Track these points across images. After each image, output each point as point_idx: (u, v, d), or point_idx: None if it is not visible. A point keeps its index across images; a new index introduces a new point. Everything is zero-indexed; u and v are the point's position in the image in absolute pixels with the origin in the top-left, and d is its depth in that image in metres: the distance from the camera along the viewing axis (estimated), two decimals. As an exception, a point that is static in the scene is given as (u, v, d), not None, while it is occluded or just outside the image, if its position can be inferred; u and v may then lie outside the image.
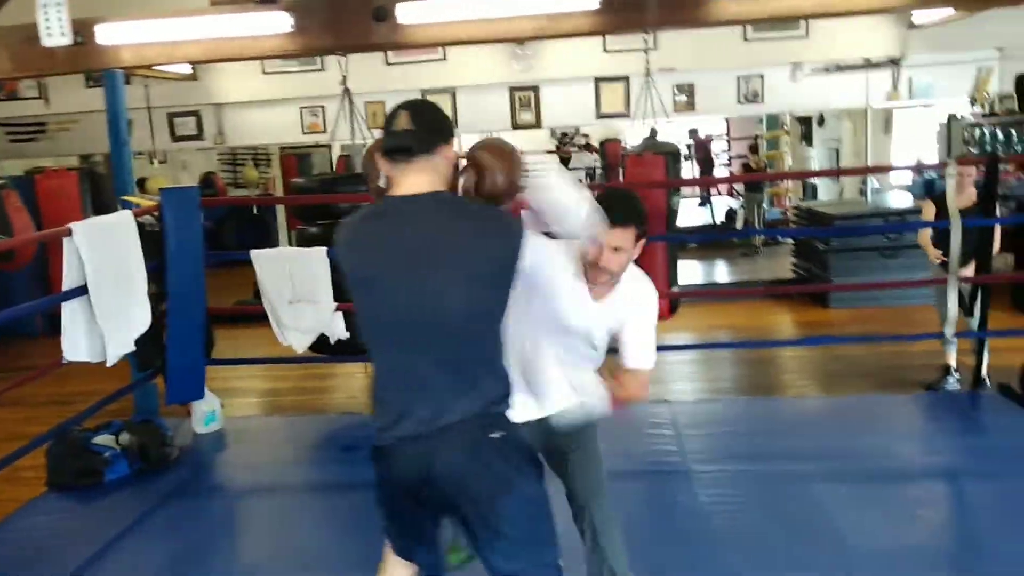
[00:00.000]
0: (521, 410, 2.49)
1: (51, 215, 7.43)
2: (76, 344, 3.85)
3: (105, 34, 4.53)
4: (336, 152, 9.51)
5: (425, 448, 1.94)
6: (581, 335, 2.53)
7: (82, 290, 3.82)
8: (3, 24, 4.69)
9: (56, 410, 5.69)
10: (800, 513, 3.50)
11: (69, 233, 3.79)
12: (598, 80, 8.84)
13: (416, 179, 1.96)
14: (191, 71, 8.46)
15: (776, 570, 3.07)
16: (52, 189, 7.75)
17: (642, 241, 2.40)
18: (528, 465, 2.04)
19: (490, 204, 2.04)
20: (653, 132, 6.35)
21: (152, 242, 4.33)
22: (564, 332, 2.52)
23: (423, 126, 1.98)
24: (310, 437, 4.95)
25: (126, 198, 4.80)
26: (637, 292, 2.53)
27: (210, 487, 4.32)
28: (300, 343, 4.72)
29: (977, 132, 8.19)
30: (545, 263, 2.39)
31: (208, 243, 4.96)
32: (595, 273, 2.40)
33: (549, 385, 2.56)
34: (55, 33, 4.21)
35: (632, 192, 2.58)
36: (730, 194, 14.30)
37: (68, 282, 3.79)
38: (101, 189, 8.35)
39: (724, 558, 3.16)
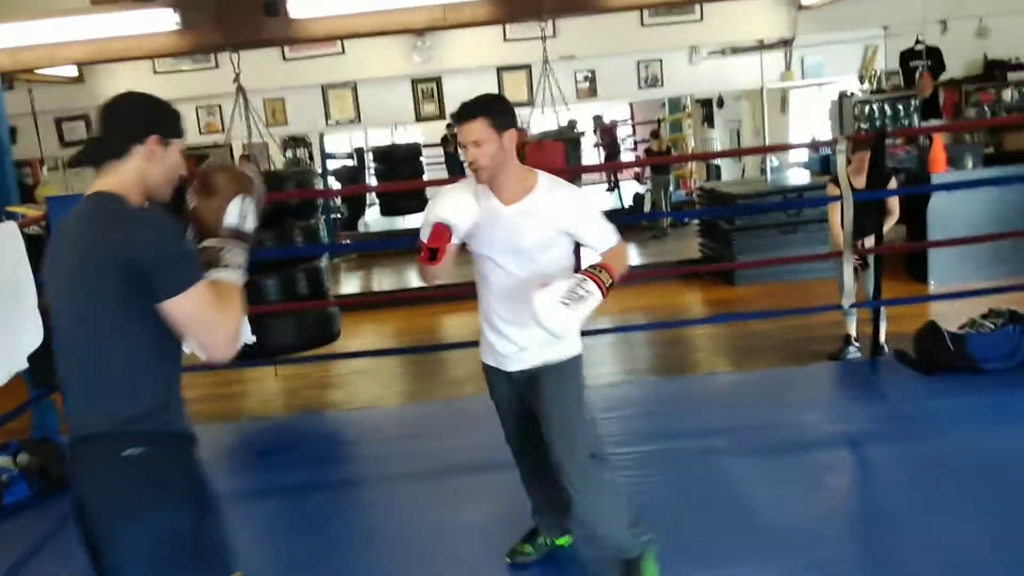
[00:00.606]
0: (489, 358, 2.78)
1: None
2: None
3: (-23, 37, 4.31)
4: (237, 151, 9.29)
5: (70, 463, 1.81)
6: (510, 249, 2.60)
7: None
8: None
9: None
10: (713, 489, 3.56)
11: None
12: (500, 69, 8.85)
13: (97, 184, 1.81)
14: (77, 73, 8.14)
15: (691, 548, 3.10)
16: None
17: (509, 131, 2.51)
18: (174, 493, 1.76)
19: (127, 207, 1.75)
20: (572, 123, 6.37)
21: (41, 253, 4.14)
22: (500, 256, 2.61)
23: (107, 131, 1.82)
24: (223, 444, 4.82)
25: (10, 208, 4.58)
26: (556, 189, 2.61)
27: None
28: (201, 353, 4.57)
29: (867, 108, 8.50)
30: (452, 214, 2.47)
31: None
32: (477, 177, 2.54)
33: (506, 328, 2.67)
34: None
35: (491, 94, 2.69)
36: (637, 179, 14.52)
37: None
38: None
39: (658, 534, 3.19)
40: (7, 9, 4.49)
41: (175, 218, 1.89)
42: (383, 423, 4.97)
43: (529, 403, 2.75)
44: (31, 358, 3.93)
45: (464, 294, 9.01)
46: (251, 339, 4.84)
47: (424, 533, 3.41)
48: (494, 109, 2.52)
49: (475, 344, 6.14)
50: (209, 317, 1.72)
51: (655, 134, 12.93)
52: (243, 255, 1.86)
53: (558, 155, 4.84)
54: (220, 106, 8.70)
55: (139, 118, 1.83)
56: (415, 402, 5.75)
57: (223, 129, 8.41)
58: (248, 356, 4.80)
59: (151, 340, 1.74)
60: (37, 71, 6.70)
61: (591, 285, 2.38)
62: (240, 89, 5.18)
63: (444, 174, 13.91)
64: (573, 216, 2.59)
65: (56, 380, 4.52)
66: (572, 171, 5.13)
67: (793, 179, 9.89)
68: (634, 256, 10.62)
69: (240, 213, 1.86)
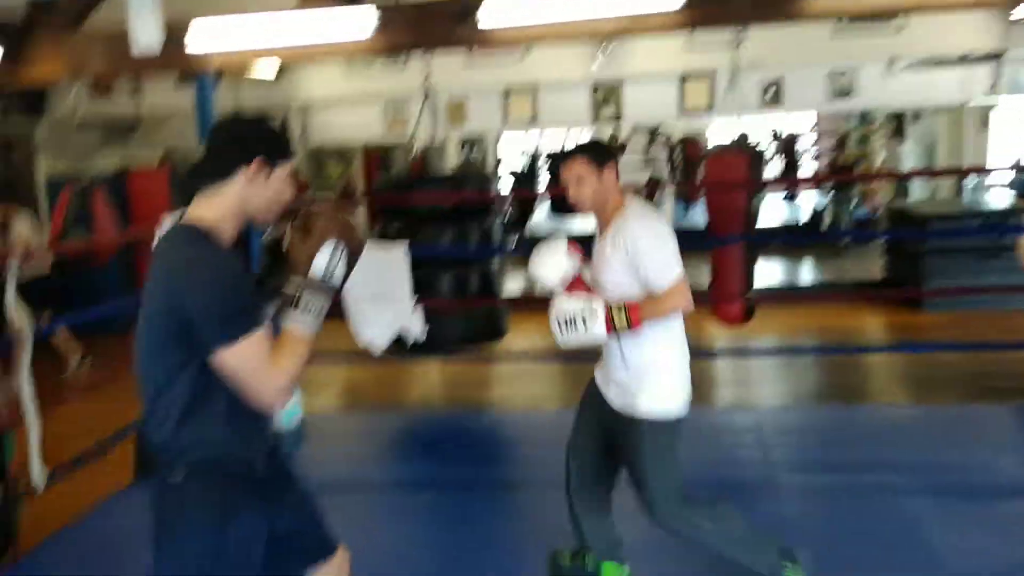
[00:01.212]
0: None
1: (142, 212, 7.66)
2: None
3: (195, 36, 4.61)
4: (416, 151, 9.57)
5: None
6: (596, 280, 2.65)
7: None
8: (97, 26, 4.82)
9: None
10: (893, 530, 3.34)
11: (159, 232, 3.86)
12: (683, 76, 8.68)
13: (195, 207, 1.83)
14: (274, 76, 8.61)
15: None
16: (143, 187, 7.97)
17: (608, 166, 2.59)
18: (191, 523, 1.79)
19: (195, 245, 1.76)
20: (743, 136, 6.18)
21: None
22: (595, 286, 2.64)
23: (213, 152, 1.84)
24: (388, 433, 4.97)
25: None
26: (633, 221, 2.57)
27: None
28: (377, 343, 4.71)
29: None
30: (554, 276, 2.64)
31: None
32: (579, 209, 2.66)
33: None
34: (146, 36, 4.30)
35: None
36: (818, 190, 13.91)
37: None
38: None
39: (813, 572, 3.03)
40: (219, 8, 4.77)
41: (268, 254, 1.97)
42: (542, 426, 4.97)
43: (609, 432, 2.78)
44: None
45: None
46: (421, 338, 4.97)
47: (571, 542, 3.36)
48: (592, 147, 2.65)
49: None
50: (252, 374, 1.73)
51: (841, 146, 12.32)
52: (323, 303, 1.83)
53: (739, 168, 4.68)
54: (406, 105, 8.98)
55: (246, 140, 1.83)
56: (569, 408, 5.72)
57: (406, 127, 8.70)
58: (416, 349, 4.98)
59: (198, 380, 1.75)
60: (244, 70, 7.13)
61: (598, 319, 2.46)
62: (428, 90, 5.32)
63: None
64: (635, 248, 2.52)
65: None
66: (752, 186, 4.95)
67: (993, 201, 9.18)
68: (810, 273, 10.19)
69: (330, 262, 1.83)
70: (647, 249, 2.51)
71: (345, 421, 5.45)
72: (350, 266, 1.88)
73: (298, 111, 9.38)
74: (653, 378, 2.57)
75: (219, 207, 1.80)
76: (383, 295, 4.66)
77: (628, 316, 2.44)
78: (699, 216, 11.36)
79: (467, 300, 5.21)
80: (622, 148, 15.36)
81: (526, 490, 3.99)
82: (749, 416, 4.68)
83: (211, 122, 5.24)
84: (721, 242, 4.85)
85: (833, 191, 11.52)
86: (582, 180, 2.59)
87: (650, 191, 14.37)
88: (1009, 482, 3.75)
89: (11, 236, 6.34)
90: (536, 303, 8.72)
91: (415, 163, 8.59)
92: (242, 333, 1.69)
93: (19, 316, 3.37)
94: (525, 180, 12.91)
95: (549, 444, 4.48)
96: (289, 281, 1.83)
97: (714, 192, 4.89)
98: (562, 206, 12.37)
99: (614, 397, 2.67)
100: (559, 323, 2.52)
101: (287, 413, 4.86)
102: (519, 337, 6.74)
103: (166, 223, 3.42)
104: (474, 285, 5.28)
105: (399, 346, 4.92)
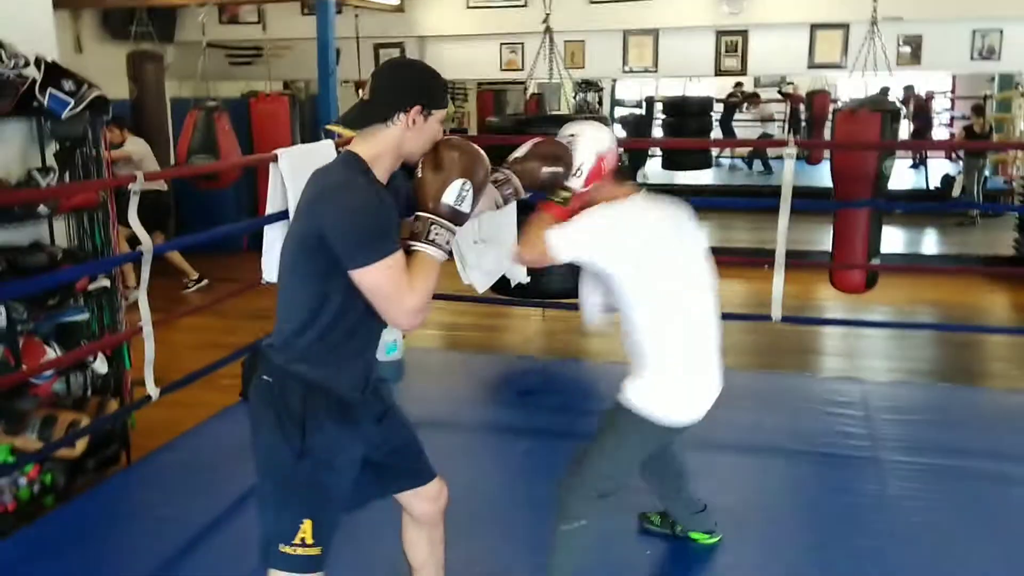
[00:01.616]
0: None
1: (263, 137, 7.84)
2: (274, 267, 4.01)
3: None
4: (530, 91, 9.45)
5: None
6: None
7: (284, 215, 3.97)
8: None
9: (255, 323, 6.05)
10: (1006, 520, 3.17)
11: (275, 159, 3.92)
12: (813, 27, 8.26)
13: (356, 143, 1.92)
14: (399, 2, 8.60)
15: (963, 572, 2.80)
16: (265, 112, 8.14)
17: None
18: (271, 427, 1.91)
19: (350, 173, 1.86)
20: (884, 90, 5.84)
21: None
22: None
23: (376, 97, 1.89)
24: (486, 376, 5.00)
25: (329, 127, 4.94)
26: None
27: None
28: (481, 283, 4.73)
29: None
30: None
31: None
32: None
33: None
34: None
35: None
36: (948, 157, 13.18)
37: (271, 206, 3.95)
38: (304, 115, 8.73)
39: (911, 558, 2.92)
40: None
41: (407, 180, 1.99)
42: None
43: None
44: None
45: (745, 262, 8.69)
46: (524, 279, 4.96)
47: (648, 502, 3.31)
48: None
49: (742, 317, 5.86)
50: (390, 292, 1.81)
51: (979, 111, 11.60)
52: (450, 235, 1.88)
53: (872, 127, 4.42)
54: (523, 45, 8.85)
55: (407, 87, 1.89)
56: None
57: (522, 67, 8.58)
58: (520, 294, 4.97)
59: (325, 298, 1.86)
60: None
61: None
62: (548, 30, 5.21)
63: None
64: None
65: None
66: (885, 147, 4.68)
67: None
68: (934, 244, 9.71)
69: (459, 195, 1.87)
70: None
71: (444, 360, 5.51)
72: (476, 199, 1.91)
73: (416, 43, 9.35)
74: (644, 375, 2.42)
75: (376, 147, 1.88)
76: (490, 237, 4.67)
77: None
78: (821, 176, 10.94)
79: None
80: (754, 98, 14.89)
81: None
82: (857, 388, 4.50)
83: (330, 50, 5.28)
84: (846, 205, 4.62)
85: (966, 159, 10.87)
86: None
87: (761, 149, 13.99)
88: None
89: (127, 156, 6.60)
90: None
91: (530, 104, 8.50)
92: (380, 256, 1.77)
93: (142, 234, 3.48)
94: (639, 128, 12.63)
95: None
96: (419, 211, 1.89)
97: (843, 152, 4.65)
98: (675, 162, 12.09)
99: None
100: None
101: (388, 346, 4.94)
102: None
103: (282, 154, 3.46)
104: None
105: (502, 288, 4.96)
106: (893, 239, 9.02)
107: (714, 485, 3.46)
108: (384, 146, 1.88)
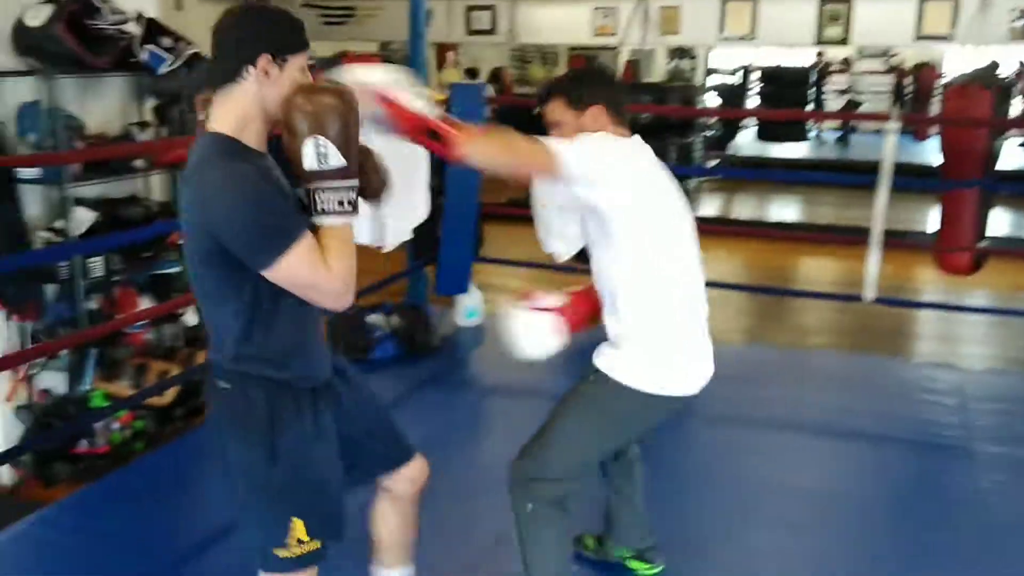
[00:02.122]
0: None
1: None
2: (360, 227, 4.03)
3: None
4: (623, 57, 9.29)
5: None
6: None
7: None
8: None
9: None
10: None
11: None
12: (923, -4, 7.88)
13: (214, 117, 1.70)
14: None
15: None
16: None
17: (592, 108, 2.15)
18: (238, 439, 1.77)
19: (219, 162, 1.63)
20: (994, 64, 5.53)
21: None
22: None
23: (218, 54, 1.68)
24: (566, 345, 4.95)
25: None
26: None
27: (464, 380, 4.47)
28: (563, 251, 4.66)
29: None
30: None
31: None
32: None
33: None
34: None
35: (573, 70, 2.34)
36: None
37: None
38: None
39: (1003, 556, 2.79)
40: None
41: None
42: (724, 358, 4.75)
43: None
44: (414, 231, 4.26)
45: (827, 239, 8.42)
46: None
47: (745, 485, 3.25)
48: (568, 87, 2.20)
49: (830, 296, 5.68)
50: (307, 280, 1.65)
51: None
52: (339, 193, 1.67)
53: (984, 104, 4.19)
54: (616, 9, 8.68)
55: (251, 36, 1.67)
56: (757, 343, 5.52)
57: (615, 32, 8.43)
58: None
59: (251, 299, 1.70)
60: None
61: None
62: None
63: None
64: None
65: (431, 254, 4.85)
66: (997, 125, 4.43)
67: None
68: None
69: (317, 154, 1.65)
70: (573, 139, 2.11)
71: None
72: (347, 144, 1.66)
73: (507, 6, 9.28)
74: (633, 345, 2.17)
75: (235, 113, 1.68)
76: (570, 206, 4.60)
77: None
78: (927, 153, 10.49)
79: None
80: (845, 65, 14.34)
81: (687, 420, 3.86)
82: (952, 376, 4.32)
83: (421, 11, 5.25)
84: (955, 185, 4.40)
85: None
86: (559, 125, 2.20)
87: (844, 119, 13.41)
88: None
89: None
90: (732, 226, 8.43)
91: (625, 71, 8.35)
92: (281, 251, 1.60)
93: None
94: (734, 98, 12.30)
95: (728, 379, 4.34)
96: (299, 187, 1.71)
97: (952, 128, 4.42)
98: (770, 133, 11.75)
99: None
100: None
101: (468, 311, 4.95)
102: (709, 263, 6.52)
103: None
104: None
105: (584, 258, 4.91)
106: (1000, 222, 8.60)
107: (797, 467, 3.40)
108: (244, 110, 1.68)
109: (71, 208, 3.73)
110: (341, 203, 1.68)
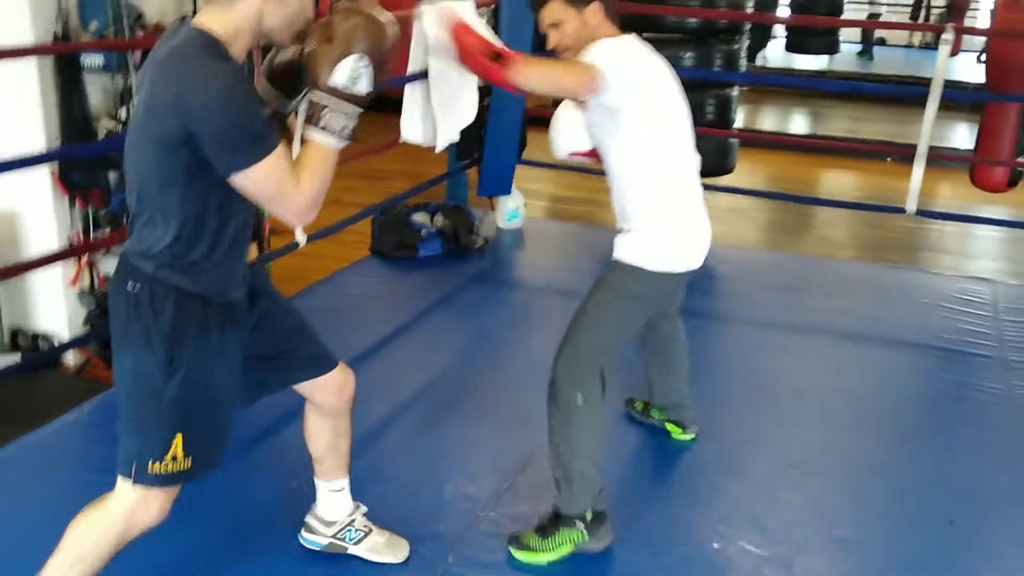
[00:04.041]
0: None
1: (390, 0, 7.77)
2: (413, 127, 4.09)
3: None
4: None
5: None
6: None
7: (424, 74, 4.01)
8: None
9: (374, 183, 6.21)
10: None
11: (419, 16, 3.93)
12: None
13: (205, 15, 1.65)
14: None
15: None
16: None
17: (591, 5, 2.24)
18: (140, 344, 1.71)
19: (206, 57, 1.58)
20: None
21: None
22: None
23: None
24: (601, 248, 5.03)
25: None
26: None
27: (508, 279, 4.59)
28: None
29: None
30: (570, 145, 2.62)
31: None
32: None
33: None
34: None
35: None
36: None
37: (413, 65, 3.99)
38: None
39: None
40: None
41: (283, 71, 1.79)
42: (757, 265, 4.87)
43: None
44: (461, 132, 4.31)
45: (851, 151, 8.38)
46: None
47: (788, 386, 3.39)
48: None
49: (872, 207, 5.74)
50: (275, 192, 1.62)
51: None
52: (348, 119, 1.68)
53: (1038, 15, 4.17)
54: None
55: None
56: (787, 252, 5.60)
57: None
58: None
59: (191, 198, 1.65)
60: None
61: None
62: None
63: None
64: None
65: (475, 156, 4.86)
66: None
67: None
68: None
69: (352, 73, 1.65)
70: (588, 53, 2.18)
71: (563, 229, 5.59)
72: (379, 76, 1.70)
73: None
74: (637, 229, 2.31)
75: (233, 21, 1.63)
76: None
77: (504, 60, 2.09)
78: (959, 69, 10.36)
79: (701, 128, 5.05)
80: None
81: (729, 324, 3.98)
82: (986, 288, 4.41)
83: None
84: (997, 99, 4.42)
85: None
86: (559, 25, 2.28)
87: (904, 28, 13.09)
88: None
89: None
90: (765, 139, 8.39)
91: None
92: (257, 157, 1.58)
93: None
94: (766, 3, 12.02)
95: (763, 284, 4.46)
96: (310, 95, 1.69)
97: (1001, 41, 4.41)
98: (798, 44, 11.55)
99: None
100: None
101: (510, 213, 5.03)
102: (740, 174, 6.56)
103: (424, 11, 3.39)
104: (709, 113, 5.10)
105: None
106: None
107: (834, 370, 3.52)
108: (242, 20, 1.63)
109: (133, 97, 3.78)
110: (343, 128, 1.68)
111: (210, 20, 1.63)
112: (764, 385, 3.38)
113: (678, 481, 2.77)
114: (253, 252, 4.25)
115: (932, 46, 11.77)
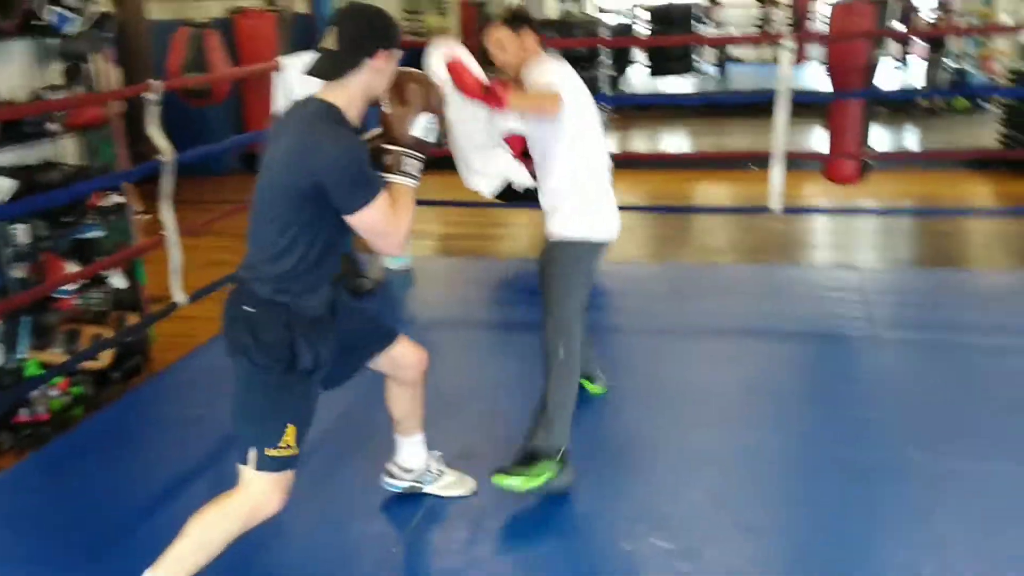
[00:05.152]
0: None
1: (249, 55, 7.72)
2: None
3: None
4: (514, 0, 9.35)
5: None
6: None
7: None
8: None
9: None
10: (997, 386, 3.36)
11: (278, 69, 3.95)
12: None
13: (326, 90, 2.03)
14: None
15: (972, 436, 2.99)
16: (250, 30, 8.01)
17: (524, 30, 2.77)
18: (258, 351, 2.06)
19: (331, 125, 1.98)
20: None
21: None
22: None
23: (342, 46, 2.00)
24: (491, 279, 5.11)
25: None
26: (531, 66, 2.74)
27: (400, 318, 4.56)
28: (488, 188, 4.78)
29: None
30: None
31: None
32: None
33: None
34: None
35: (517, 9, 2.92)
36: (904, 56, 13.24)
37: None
38: (291, 33, 8.58)
39: (914, 424, 3.11)
40: None
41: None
42: (643, 278, 5.03)
43: None
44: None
45: (723, 163, 8.76)
46: (532, 183, 4.99)
47: (681, 389, 3.49)
48: (516, 19, 2.80)
49: (741, 210, 5.99)
50: (383, 229, 2.01)
51: (944, 8, 11.59)
52: (420, 165, 2.08)
53: (867, 18, 4.47)
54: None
55: (371, 33, 2.02)
56: (670, 263, 5.78)
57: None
58: (524, 199, 5.04)
59: (306, 240, 2.01)
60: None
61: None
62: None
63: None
64: (528, 80, 2.71)
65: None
66: (873, 35, 4.74)
67: None
68: (919, 141, 9.81)
69: (426, 127, 2.08)
70: (534, 73, 2.69)
71: (450, 265, 5.62)
72: (441, 127, 2.12)
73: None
74: (563, 204, 2.79)
75: (347, 94, 2.01)
76: (492, 144, 4.71)
77: (504, 87, 2.56)
78: (804, 78, 10.94)
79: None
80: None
81: (620, 335, 4.09)
82: (853, 276, 4.66)
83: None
84: (840, 97, 4.70)
85: (929, 53, 10.99)
86: (502, 44, 2.78)
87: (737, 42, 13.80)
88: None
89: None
90: (635, 159, 8.65)
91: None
92: (372, 197, 1.95)
93: (163, 143, 3.52)
94: (623, 36, 12.51)
95: (646, 294, 4.59)
96: (390, 146, 2.07)
97: (839, 44, 4.71)
98: (660, 69, 12.04)
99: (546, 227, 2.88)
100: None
101: (396, 257, 5.03)
102: (619, 194, 6.74)
103: (287, 64, 3.48)
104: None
105: (505, 194, 5.03)
106: (879, 137, 9.12)
107: (721, 368, 3.65)
108: (356, 92, 2.02)
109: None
110: (419, 171, 2.09)
111: (332, 95, 2.01)
112: (659, 389, 3.48)
113: (586, 487, 2.80)
114: (132, 318, 4.15)
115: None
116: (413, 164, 2.07)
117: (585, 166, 2.79)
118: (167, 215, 3.62)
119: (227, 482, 2.15)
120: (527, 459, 2.68)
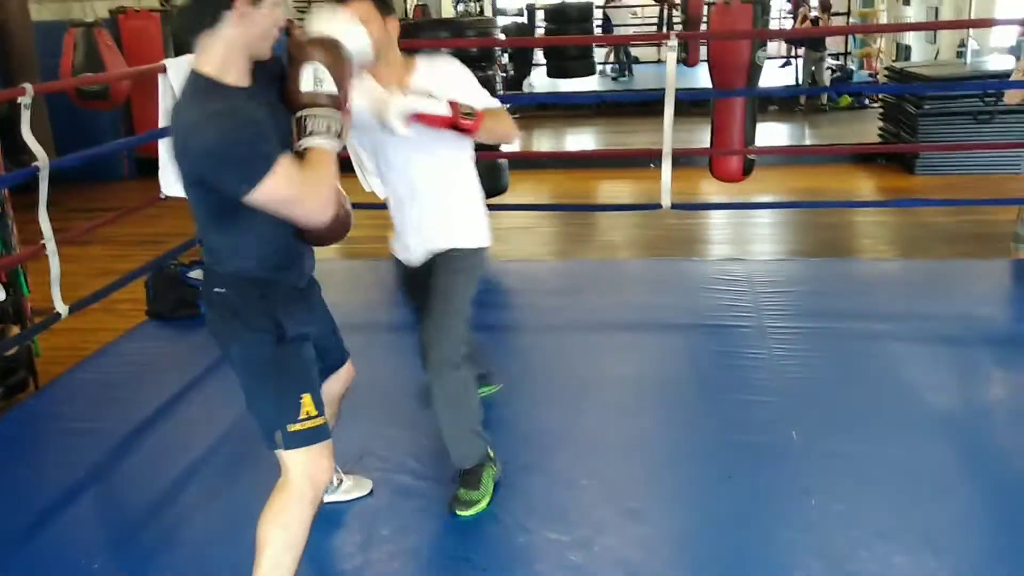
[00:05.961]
0: (400, 253, 2.83)
1: (135, 55, 7.51)
2: (171, 180, 3.98)
3: None
4: (412, 1, 9.35)
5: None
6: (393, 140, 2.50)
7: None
8: None
9: (148, 249, 5.94)
10: (876, 370, 3.53)
11: (164, 70, 3.85)
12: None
13: (197, 58, 1.84)
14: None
15: (852, 419, 3.13)
16: (136, 30, 7.80)
17: (391, 18, 2.47)
18: (242, 329, 1.98)
19: (198, 103, 1.80)
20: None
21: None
22: (390, 150, 2.59)
23: (192, 7, 1.83)
24: (392, 282, 5.07)
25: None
26: (435, 66, 2.55)
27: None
28: (381, 190, 4.77)
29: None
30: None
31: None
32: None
33: (405, 224, 2.75)
34: None
35: None
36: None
37: (164, 120, 3.89)
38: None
39: (798, 407, 3.23)
40: None
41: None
42: (542, 275, 5.10)
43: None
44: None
45: (626, 162, 8.96)
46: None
47: (576, 382, 3.55)
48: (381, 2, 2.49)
49: (633, 207, 6.12)
50: (293, 195, 1.81)
51: (824, 8, 12.09)
52: (330, 119, 1.86)
53: (745, 18, 4.63)
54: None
55: None
56: (572, 260, 5.88)
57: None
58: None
59: (246, 222, 1.88)
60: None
61: (444, 103, 2.34)
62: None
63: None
64: (453, 86, 2.45)
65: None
66: (759, 35, 4.92)
67: (994, 65, 9.11)
68: (805, 137, 10.19)
69: (313, 78, 1.85)
70: (467, 84, 2.49)
71: (349, 267, 5.58)
72: (341, 80, 1.88)
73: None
74: (467, 212, 2.70)
75: (216, 56, 1.80)
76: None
77: (472, 111, 2.36)
78: (698, 79, 11.24)
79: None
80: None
81: (529, 333, 4.14)
82: (741, 268, 4.82)
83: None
84: (723, 95, 4.86)
85: (806, 52, 11.45)
86: (366, 22, 2.36)
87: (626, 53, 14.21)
88: (985, 331, 3.91)
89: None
90: (532, 161, 8.77)
91: (416, 11, 8.41)
92: (255, 180, 1.75)
93: (38, 148, 3.40)
94: (522, 37, 12.62)
95: (551, 292, 4.66)
96: (295, 114, 1.88)
97: (719, 43, 4.86)
98: (559, 70, 12.16)
99: (426, 243, 2.69)
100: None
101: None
102: (513, 195, 6.81)
103: (171, 65, 3.37)
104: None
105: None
106: (766, 134, 9.44)
107: (613, 360, 3.73)
108: (226, 50, 1.80)
109: None
110: (328, 128, 1.86)
111: (200, 62, 1.82)
112: (554, 383, 3.54)
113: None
114: (14, 330, 3.99)
115: (680, 60, 12.73)
116: (318, 121, 1.84)
117: (475, 174, 2.75)
118: (44, 223, 3.49)
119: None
120: (470, 478, 2.65)
